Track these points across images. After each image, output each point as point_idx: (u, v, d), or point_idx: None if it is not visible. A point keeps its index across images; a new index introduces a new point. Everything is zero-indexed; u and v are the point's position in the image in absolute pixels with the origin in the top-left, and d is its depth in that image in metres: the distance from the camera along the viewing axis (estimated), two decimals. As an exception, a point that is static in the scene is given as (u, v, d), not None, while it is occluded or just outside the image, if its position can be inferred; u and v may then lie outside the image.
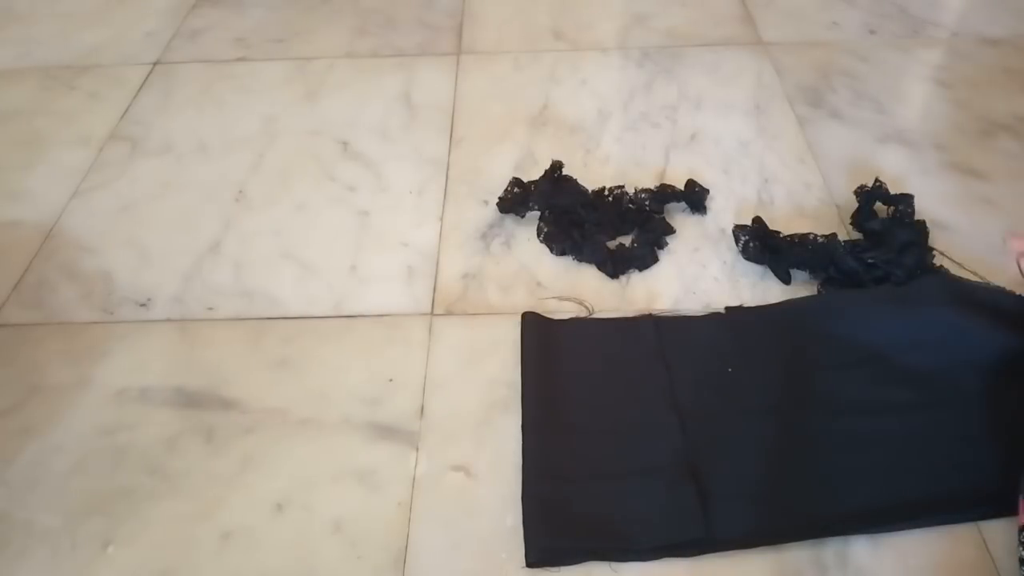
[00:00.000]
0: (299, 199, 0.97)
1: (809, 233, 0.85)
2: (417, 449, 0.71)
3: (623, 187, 0.92)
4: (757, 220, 0.88)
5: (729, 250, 0.88)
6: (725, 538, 0.63)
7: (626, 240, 0.89)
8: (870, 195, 0.89)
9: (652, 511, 0.64)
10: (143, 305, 0.85)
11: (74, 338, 0.82)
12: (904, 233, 0.85)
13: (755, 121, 1.06)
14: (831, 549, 0.63)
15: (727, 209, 0.93)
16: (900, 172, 0.96)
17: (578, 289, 0.84)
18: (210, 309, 0.84)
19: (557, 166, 0.94)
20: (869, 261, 0.82)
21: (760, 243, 0.85)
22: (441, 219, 0.93)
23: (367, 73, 1.17)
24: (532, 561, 0.62)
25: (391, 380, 0.76)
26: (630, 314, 0.81)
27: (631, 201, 0.92)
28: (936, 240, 0.86)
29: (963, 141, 1.02)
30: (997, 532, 0.62)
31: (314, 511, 0.67)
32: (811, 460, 0.67)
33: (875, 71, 1.14)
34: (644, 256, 0.86)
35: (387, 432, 0.72)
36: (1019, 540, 0.60)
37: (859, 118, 1.06)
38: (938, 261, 0.84)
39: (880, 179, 0.90)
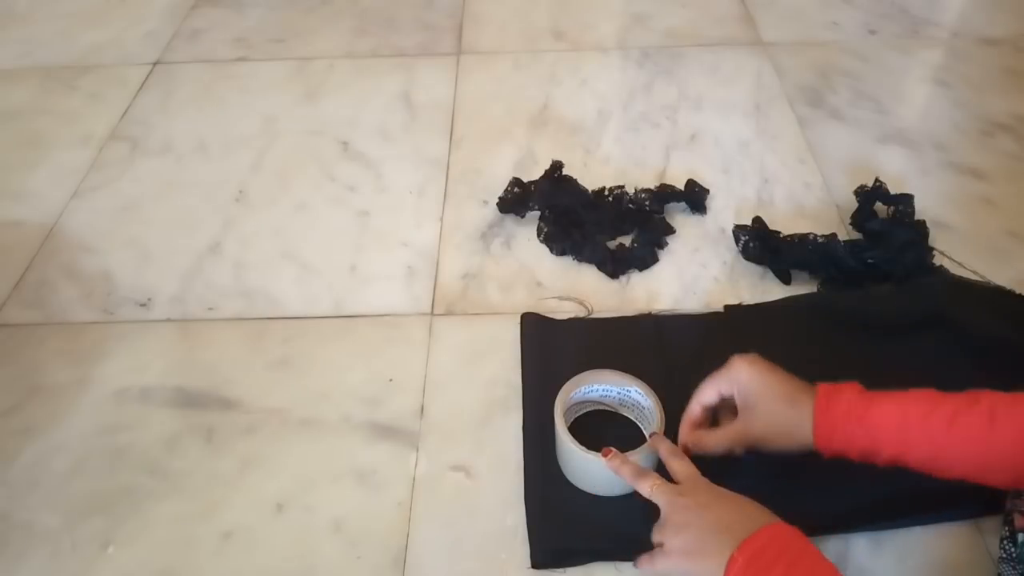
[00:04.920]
0: (299, 199, 0.97)
1: (809, 233, 0.85)
2: (417, 449, 0.71)
3: (623, 187, 0.92)
4: (757, 220, 0.88)
5: (729, 250, 0.88)
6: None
7: (626, 240, 0.89)
8: (870, 195, 0.89)
9: (655, 511, 0.64)
10: (143, 305, 0.85)
11: (74, 338, 0.82)
12: (904, 233, 0.85)
13: (755, 121, 1.06)
14: (831, 549, 0.63)
15: (727, 209, 0.93)
16: (900, 172, 0.96)
17: (578, 289, 0.84)
18: (210, 309, 0.84)
19: (557, 166, 0.94)
20: (869, 261, 0.82)
21: (760, 243, 0.85)
22: (441, 219, 0.93)
23: (367, 73, 1.17)
24: (537, 563, 0.62)
25: (391, 380, 0.76)
26: (630, 314, 0.81)
27: (631, 201, 0.92)
28: (936, 240, 0.86)
29: (963, 141, 1.02)
30: (996, 532, 0.62)
31: (314, 511, 0.67)
32: (811, 457, 0.67)
33: (875, 71, 1.14)
34: (644, 256, 0.86)
35: (387, 432, 0.72)
36: (1000, 545, 0.60)
37: (859, 118, 1.06)
38: (938, 261, 0.84)
39: (880, 179, 0.90)
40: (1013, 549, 0.58)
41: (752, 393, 0.60)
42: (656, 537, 0.56)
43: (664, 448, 0.61)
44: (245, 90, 1.15)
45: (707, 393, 0.63)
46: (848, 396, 0.57)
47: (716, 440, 0.62)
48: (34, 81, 1.18)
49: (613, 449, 0.61)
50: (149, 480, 0.70)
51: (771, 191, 0.95)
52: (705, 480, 0.57)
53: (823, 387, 0.59)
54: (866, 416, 0.56)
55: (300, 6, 1.32)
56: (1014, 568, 0.58)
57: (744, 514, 0.53)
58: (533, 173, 0.95)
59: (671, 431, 0.65)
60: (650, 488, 0.57)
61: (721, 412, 0.65)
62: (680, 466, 0.59)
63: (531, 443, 0.70)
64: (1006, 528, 0.60)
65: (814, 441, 0.58)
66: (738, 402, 0.62)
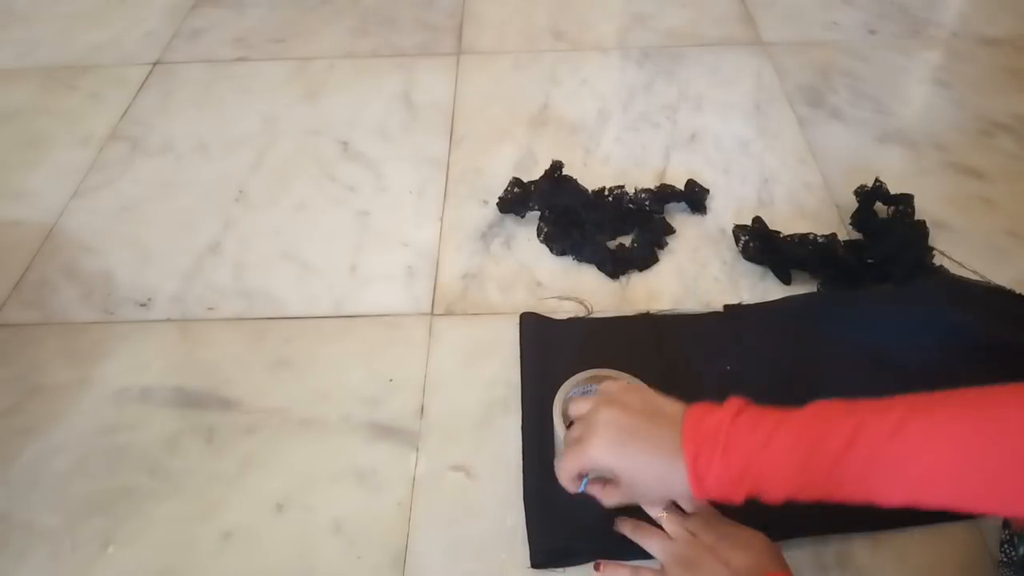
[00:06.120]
0: (299, 199, 0.97)
1: (809, 233, 0.85)
2: (417, 449, 0.71)
3: (623, 187, 0.92)
4: (757, 220, 0.88)
5: (729, 250, 0.88)
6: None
7: (626, 240, 0.89)
8: (870, 195, 0.89)
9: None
10: (143, 305, 0.85)
11: (74, 338, 0.82)
12: (904, 233, 0.85)
13: (755, 121, 1.06)
14: (831, 549, 0.63)
15: (727, 209, 0.93)
16: (900, 172, 0.96)
17: (578, 289, 0.84)
18: (210, 309, 0.84)
19: (557, 166, 0.94)
20: (869, 261, 0.82)
21: (760, 243, 0.85)
22: (441, 219, 0.93)
23: (367, 73, 1.17)
24: (537, 563, 0.62)
25: (391, 380, 0.76)
26: (629, 314, 0.81)
27: (631, 201, 0.92)
28: (936, 240, 0.86)
29: (963, 141, 1.02)
30: (997, 532, 0.62)
31: (314, 511, 0.67)
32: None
33: (875, 71, 1.14)
34: (644, 256, 0.86)
35: (387, 432, 0.72)
36: (1001, 549, 0.60)
37: (859, 118, 1.06)
38: (938, 261, 0.84)
39: (880, 179, 0.90)
40: (1013, 552, 0.58)
41: (613, 472, 0.53)
42: (650, 551, 0.56)
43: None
44: (245, 90, 1.15)
45: (569, 471, 0.56)
46: (718, 455, 0.48)
47: (609, 498, 0.57)
48: (34, 81, 1.18)
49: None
50: (149, 480, 0.70)
51: (771, 191, 0.95)
52: (716, 513, 0.56)
53: (688, 438, 0.50)
54: (742, 473, 0.48)
55: (300, 6, 1.32)
56: (1015, 573, 0.57)
57: (751, 559, 0.53)
58: (533, 173, 0.95)
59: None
60: (662, 512, 0.57)
61: None
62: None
63: (530, 442, 0.70)
64: (1005, 532, 0.60)
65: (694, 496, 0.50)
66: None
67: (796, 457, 0.46)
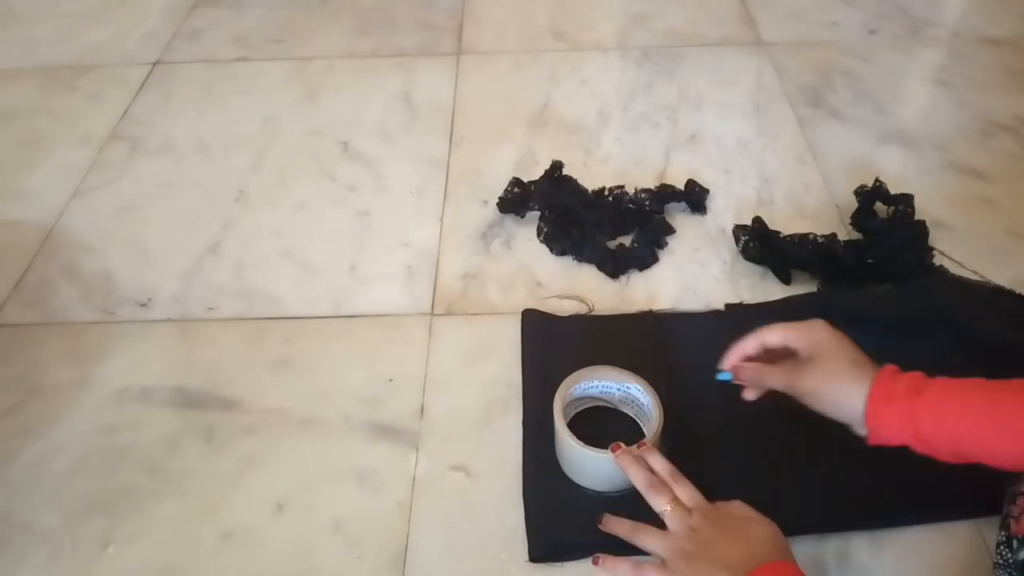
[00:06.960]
0: (299, 199, 0.97)
1: (809, 233, 0.85)
2: (417, 449, 0.71)
3: (623, 187, 0.92)
4: (757, 220, 0.88)
5: (729, 250, 0.88)
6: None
7: (626, 240, 0.89)
8: (870, 195, 0.89)
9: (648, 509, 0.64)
10: (143, 305, 0.85)
11: (74, 338, 0.82)
12: (904, 233, 0.85)
13: (755, 121, 1.06)
14: (831, 548, 0.63)
15: (727, 209, 0.93)
16: (900, 172, 0.96)
17: (578, 289, 0.84)
18: (210, 309, 0.84)
19: (557, 166, 0.94)
20: (869, 261, 0.82)
21: (760, 243, 0.85)
22: (441, 219, 0.93)
23: (367, 73, 1.17)
24: (536, 557, 0.63)
25: (391, 380, 0.76)
26: (631, 312, 0.81)
27: (631, 201, 0.92)
28: (936, 240, 0.86)
29: (963, 141, 1.02)
30: (997, 532, 0.62)
31: (314, 511, 0.67)
32: (811, 456, 0.67)
33: (875, 71, 1.14)
34: (644, 256, 0.86)
35: (387, 432, 0.72)
36: (997, 550, 0.60)
37: (859, 118, 1.06)
38: (938, 261, 0.84)
39: (880, 179, 0.90)
40: (1009, 555, 0.58)
41: (823, 348, 0.60)
42: (650, 549, 0.57)
43: (663, 469, 0.60)
44: (245, 90, 1.15)
45: (773, 335, 0.63)
46: (910, 377, 0.57)
47: (775, 377, 0.62)
48: (34, 81, 1.18)
49: (622, 445, 0.61)
50: (149, 480, 0.70)
51: (771, 191, 0.95)
52: (712, 507, 0.57)
53: (888, 366, 0.58)
54: (928, 394, 0.55)
55: (300, 6, 1.32)
56: (1010, 575, 0.57)
57: (748, 551, 0.53)
58: (533, 173, 0.95)
59: (670, 428, 0.65)
60: (667, 507, 0.57)
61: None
62: (687, 493, 0.58)
63: (530, 437, 0.70)
64: (1003, 533, 0.59)
65: (867, 404, 0.57)
66: (804, 353, 0.61)
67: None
